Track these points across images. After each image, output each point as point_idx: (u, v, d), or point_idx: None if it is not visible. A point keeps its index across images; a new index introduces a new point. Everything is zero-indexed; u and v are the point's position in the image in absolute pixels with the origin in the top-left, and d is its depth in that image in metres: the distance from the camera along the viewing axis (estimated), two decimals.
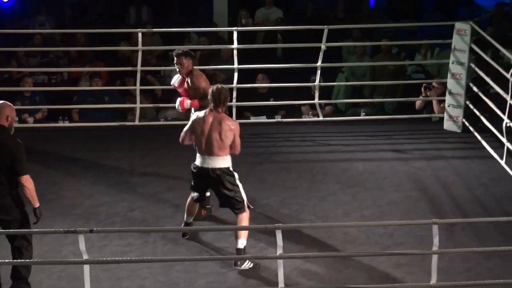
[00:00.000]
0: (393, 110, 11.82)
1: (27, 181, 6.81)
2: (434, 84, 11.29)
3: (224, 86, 7.65)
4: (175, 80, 8.51)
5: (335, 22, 12.72)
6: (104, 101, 11.26)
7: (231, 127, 7.47)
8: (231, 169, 7.57)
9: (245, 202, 7.62)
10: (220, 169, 7.51)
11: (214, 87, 7.56)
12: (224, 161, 7.51)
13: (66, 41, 12.87)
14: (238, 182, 7.59)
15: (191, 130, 7.56)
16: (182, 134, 7.64)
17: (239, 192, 7.58)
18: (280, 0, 14.73)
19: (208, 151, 7.47)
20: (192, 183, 7.77)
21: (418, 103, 11.39)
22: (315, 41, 11.10)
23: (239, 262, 7.42)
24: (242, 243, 7.45)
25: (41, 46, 12.62)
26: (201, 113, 7.56)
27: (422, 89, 11.31)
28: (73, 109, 11.30)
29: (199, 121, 7.51)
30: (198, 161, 7.57)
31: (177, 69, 8.41)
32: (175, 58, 8.39)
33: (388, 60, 12.13)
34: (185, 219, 7.98)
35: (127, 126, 10.94)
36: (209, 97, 7.53)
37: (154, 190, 9.12)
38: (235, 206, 7.59)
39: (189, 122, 7.62)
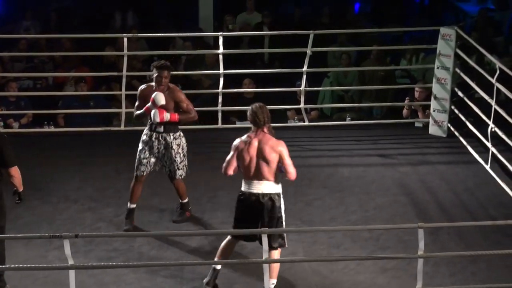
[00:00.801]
0: (382, 115, 11.86)
1: (16, 172, 6.95)
2: (416, 88, 11.31)
3: (261, 104, 7.24)
4: (160, 98, 8.07)
5: (321, 28, 12.73)
6: (90, 106, 11.24)
7: (275, 148, 7.03)
8: (281, 196, 7.13)
9: (285, 239, 7.15)
10: (269, 194, 7.05)
11: (253, 106, 7.15)
12: (273, 187, 7.07)
13: (51, 46, 12.84)
14: (283, 213, 7.13)
15: (237, 158, 7.08)
16: (225, 164, 7.12)
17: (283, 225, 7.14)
18: (266, 6, 14.74)
19: (257, 176, 7.03)
20: (236, 217, 7.21)
21: (405, 112, 11.42)
22: (301, 46, 11.11)
23: None
24: (273, 283, 7.00)
25: (26, 51, 12.58)
26: (243, 138, 7.10)
27: (407, 100, 11.34)
28: (58, 114, 11.27)
29: (244, 147, 7.04)
30: (245, 187, 7.12)
31: (157, 82, 8.11)
32: (159, 70, 8.13)
33: (379, 65, 12.15)
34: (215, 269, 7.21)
35: (112, 131, 10.92)
36: (248, 118, 7.14)
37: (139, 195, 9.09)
38: (275, 240, 7.04)
39: (232, 151, 7.12)
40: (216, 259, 7.17)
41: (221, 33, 11.12)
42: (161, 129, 8.28)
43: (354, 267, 7.61)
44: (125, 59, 10.83)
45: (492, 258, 7.67)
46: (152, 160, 8.33)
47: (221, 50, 10.87)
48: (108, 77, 11.56)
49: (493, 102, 9.65)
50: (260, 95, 11.27)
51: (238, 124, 11.16)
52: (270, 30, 13.30)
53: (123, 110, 10.84)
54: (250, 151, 7.03)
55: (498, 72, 9.62)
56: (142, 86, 8.40)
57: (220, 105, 10.81)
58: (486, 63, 11.85)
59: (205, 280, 7.16)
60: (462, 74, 10.74)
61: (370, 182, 9.52)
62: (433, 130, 11.00)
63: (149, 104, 8.12)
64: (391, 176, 9.72)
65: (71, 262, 6.32)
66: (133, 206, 8.35)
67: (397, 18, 16.66)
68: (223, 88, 10.88)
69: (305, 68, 10.96)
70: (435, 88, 10.86)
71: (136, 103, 8.41)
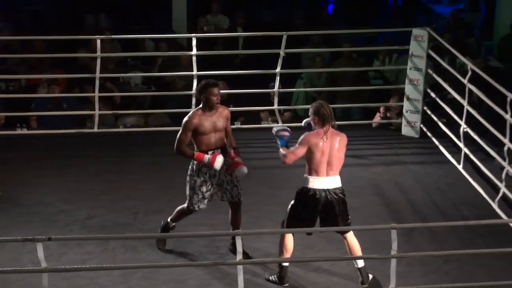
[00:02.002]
0: (360, 116, 11.89)
1: None
2: (392, 103, 11.33)
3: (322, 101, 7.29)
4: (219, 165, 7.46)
5: (294, 29, 12.75)
6: (63, 108, 11.19)
7: (344, 143, 7.17)
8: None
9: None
10: (340, 188, 7.19)
11: (318, 103, 7.15)
12: (340, 180, 7.20)
13: (24, 48, 12.76)
14: None
15: (306, 152, 7.04)
16: (290, 155, 7.06)
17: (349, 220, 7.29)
18: (240, 7, 14.75)
19: (329, 172, 7.08)
20: (301, 213, 7.18)
21: (376, 122, 11.43)
22: (274, 47, 11.11)
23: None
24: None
25: None
26: (314, 133, 7.06)
27: (382, 109, 11.37)
28: (31, 116, 11.21)
29: (317, 143, 7.01)
30: (313, 184, 7.10)
31: (211, 104, 7.48)
32: (211, 89, 7.48)
33: (350, 64, 12.19)
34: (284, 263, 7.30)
35: (86, 133, 10.88)
36: (315, 114, 7.07)
37: (113, 197, 9.07)
38: (346, 222, 7.23)
39: (301, 144, 7.04)
40: (283, 256, 7.26)
41: (195, 34, 11.10)
42: (219, 152, 7.55)
43: (329, 267, 7.63)
44: (98, 60, 10.79)
45: (465, 258, 7.71)
46: (215, 190, 7.65)
47: (194, 51, 10.86)
48: (81, 79, 11.51)
49: (465, 103, 9.71)
50: (234, 96, 11.28)
51: None
52: (244, 31, 13.32)
53: (96, 112, 10.80)
54: (324, 147, 7.05)
55: (470, 73, 9.68)
56: (190, 116, 7.51)
57: (193, 106, 10.80)
58: (459, 65, 11.93)
59: (272, 277, 7.30)
60: (434, 75, 10.79)
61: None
62: (406, 130, 11.04)
63: (206, 158, 7.43)
64: (364, 176, 9.75)
65: (44, 265, 6.29)
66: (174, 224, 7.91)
67: (370, 20, 16.75)
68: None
69: (278, 70, 10.97)
70: (408, 89, 10.91)
71: (183, 136, 7.49)
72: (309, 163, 7.11)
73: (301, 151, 7.08)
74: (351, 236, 7.35)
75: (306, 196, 7.13)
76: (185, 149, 7.50)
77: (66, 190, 9.25)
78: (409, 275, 7.51)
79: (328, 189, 7.12)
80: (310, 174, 7.10)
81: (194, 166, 7.55)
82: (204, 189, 7.56)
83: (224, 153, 7.58)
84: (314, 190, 7.10)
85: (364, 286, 7.31)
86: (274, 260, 7.57)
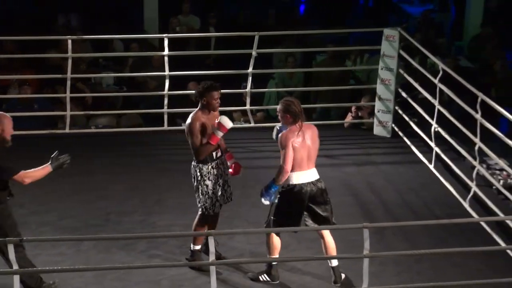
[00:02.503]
0: (338, 116, 11.93)
1: (24, 178, 6.93)
2: (363, 103, 11.38)
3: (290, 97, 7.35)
4: (228, 122, 7.47)
5: (266, 29, 12.77)
6: (34, 109, 11.12)
7: (316, 134, 7.31)
8: None
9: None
10: (319, 179, 7.30)
11: (287, 102, 7.22)
12: (317, 172, 7.31)
13: None
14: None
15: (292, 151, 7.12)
16: (288, 162, 7.08)
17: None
18: (211, 7, 14.74)
19: (310, 165, 7.20)
20: (288, 210, 7.24)
21: (347, 124, 11.48)
22: (246, 48, 11.12)
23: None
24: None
25: None
26: (289, 132, 7.13)
27: (353, 109, 11.42)
28: None
29: (296, 140, 7.11)
30: (297, 179, 7.18)
31: (213, 107, 7.47)
32: (212, 92, 7.45)
33: (335, 64, 12.23)
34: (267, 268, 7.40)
35: (57, 134, 10.82)
36: (285, 112, 7.15)
37: (84, 198, 9.04)
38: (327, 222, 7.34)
39: (286, 148, 7.09)
40: (271, 256, 7.32)
41: (166, 35, 11.08)
42: (220, 153, 7.57)
43: (301, 267, 7.65)
44: (70, 61, 10.74)
45: (437, 257, 7.76)
46: (225, 189, 7.61)
47: (166, 52, 10.84)
48: (52, 80, 11.45)
49: (436, 103, 9.77)
50: None
51: (184, 126, 11.14)
52: (216, 31, 13.33)
53: (68, 112, 10.75)
54: (303, 143, 7.15)
55: (441, 73, 9.74)
56: (193, 118, 7.45)
57: (166, 107, 10.79)
58: (429, 64, 12.00)
59: (262, 277, 7.36)
60: (405, 75, 10.85)
61: None
62: (377, 130, 11.09)
63: (216, 130, 7.37)
64: (336, 176, 9.78)
65: (16, 267, 6.26)
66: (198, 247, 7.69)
67: (341, 20, 16.79)
68: (169, 90, 10.85)
69: (250, 70, 10.98)
70: (379, 89, 10.96)
71: (196, 139, 7.39)
72: (294, 160, 7.15)
73: (289, 151, 7.12)
74: (328, 235, 7.40)
75: (292, 193, 7.18)
76: (204, 150, 7.38)
77: (37, 191, 9.18)
78: (382, 274, 7.55)
79: (311, 182, 7.23)
80: (291, 170, 7.14)
81: (203, 171, 7.43)
82: (218, 192, 7.50)
83: (222, 154, 7.59)
84: (300, 185, 7.17)
85: (336, 285, 7.35)
86: (247, 261, 7.58)
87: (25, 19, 14.79)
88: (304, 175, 7.19)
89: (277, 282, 7.39)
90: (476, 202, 8.94)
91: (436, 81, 9.76)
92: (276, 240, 7.33)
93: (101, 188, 9.27)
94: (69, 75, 10.72)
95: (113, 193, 9.18)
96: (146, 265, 7.52)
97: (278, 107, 7.28)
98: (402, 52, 10.82)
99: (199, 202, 7.48)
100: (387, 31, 10.87)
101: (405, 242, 8.14)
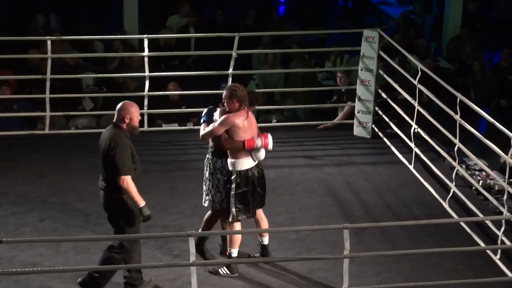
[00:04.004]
0: (306, 116, 11.95)
1: (125, 183, 6.80)
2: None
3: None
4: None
5: (245, 30, 12.77)
6: (13, 110, 11.07)
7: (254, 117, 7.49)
8: None
9: None
10: (259, 163, 7.48)
11: (233, 87, 7.36)
12: None
13: None
14: None
15: (232, 135, 7.26)
16: (207, 133, 7.33)
17: None
18: (191, 7, 14.72)
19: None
20: (247, 196, 7.36)
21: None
22: (226, 49, 11.11)
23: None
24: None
25: None
26: (237, 116, 7.26)
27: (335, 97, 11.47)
28: None
29: (244, 125, 7.27)
30: (248, 164, 7.33)
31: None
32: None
33: (302, 66, 12.25)
34: (234, 253, 7.51)
35: (37, 135, 10.78)
36: (232, 99, 7.27)
37: (64, 199, 9.00)
38: (264, 203, 7.61)
39: (222, 125, 7.24)
40: (233, 248, 7.47)
41: (146, 35, 11.04)
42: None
43: (282, 268, 7.65)
44: (49, 62, 10.68)
45: (416, 257, 7.78)
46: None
47: (146, 52, 10.81)
48: (32, 80, 11.39)
49: (415, 103, 9.79)
50: (186, 97, 11.26)
51: (164, 127, 11.13)
52: (196, 32, 13.31)
53: (48, 113, 10.70)
54: (250, 127, 7.32)
55: (420, 73, 9.76)
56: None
57: (146, 107, 10.75)
58: (411, 67, 12.02)
59: (222, 270, 7.49)
60: (385, 76, 10.87)
61: (296, 183, 9.57)
62: (357, 131, 11.10)
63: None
64: (316, 177, 9.79)
65: None
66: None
67: (321, 21, 16.83)
68: (149, 90, 10.81)
69: (230, 71, 10.96)
70: (359, 89, 10.98)
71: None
72: (233, 146, 7.30)
73: (220, 130, 7.28)
74: (263, 216, 7.65)
75: (244, 178, 7.33)
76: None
77: (16, 192, 9.16)
78: (362, 274, 7.56)
79: (256, 165, 7.41)
80: (239, 157, 7.30)
81: (217, 164, 7.59)
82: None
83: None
84: (251, 169, 7.36)
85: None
86: (227, 261, 7.57)
87: (2, 20, 14.73)
88: (250, 161, 7.36)
89: (236, 274, 7.46)
90: (456, 202, 8.96)
91: (415, 81, 9.78)
92: (238, 234, 7.48)
93: (80, 189, 9.23)
94: (48, 75, 10.67)
95: (93, 194, 9.07)
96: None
97: (224, 93, 7.39)
98: (381, 53, 10.84)
99: (207, 195, 7.59)
100: (366, 32, 10.89)
101: (384, 243, 8.15)
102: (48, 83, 10.68)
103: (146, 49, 10.79)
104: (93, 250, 7.86)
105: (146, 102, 10.75)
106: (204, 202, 7.65)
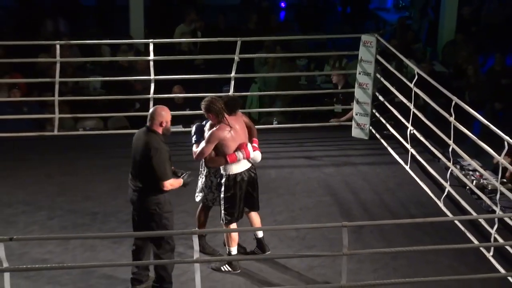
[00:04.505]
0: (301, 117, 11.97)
1: (166, 187, 6.86)
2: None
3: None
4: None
5: (247, 34, 12.77)
6: (23, 112, 11.07)
7: (242, 117, 7.51)
8: None
9: None
10: (252, 166, 7.49)
11: (206, 102, 7.29)
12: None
13: None
14: None
15: (222, 147, 7.25)
16: (200, 153, 7.25)
17: None
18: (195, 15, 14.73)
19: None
20: (235, 200, 7.41)
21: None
22: (228, 52, 11.11)
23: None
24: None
25: None
26: (220, 127, 7.24)
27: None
28: None
29: (228, 135, 7.24)
30: (237, 169, 7.36)
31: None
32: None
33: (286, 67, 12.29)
34: (233, 251, 7.57)
35: (46, 136, 10.78)
36: (211, 110, 7.25)
37: (72, 198, 9.01)
38: (257, 206, 7.63)
39: (210, 142, 7.21)
40: (231, 246, 7.53)
41: (151, 40, 11.04)
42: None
43: (282, 265, 7.65)
44: (58, 65, 10.69)
45: (412, 255, 7.79)
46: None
47: (151, 56, 10.81)
48: (41, 84, 11.40)
49: (411, 106, 9.79)
50: (190, 100, 11.26)
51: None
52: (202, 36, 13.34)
53: (56, 115, 10.70)
54: (236, 136, 7.30)
55: (416, 77, 9.76)
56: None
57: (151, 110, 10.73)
58: (408, 72, 12.02)
59: (224, 267, 7.55)
60: (382, 79, 10.87)
61: (296, 183, 9.58)
62: (355, 132, 11.10)
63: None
64: (316, 177, 9.79)
65: (5, 264, 6.22)
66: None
67: (320, 26, 16.84)
68: (154, 93, 10.81)
69: (233, 74, 10.96)
70: (357, 92, 10.97)
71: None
72: (216, 164, 7.36)
73: (209, 148, 7.25)
74: (256, 215, 7.65)
75: (234, 183, 7.37)
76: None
77: (26, 191, 9.16)
78: (360, 271, 7.56)
79: (248, 169, 7.43)
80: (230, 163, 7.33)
81: (212, 168, 7.67)
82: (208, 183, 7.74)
83: None
84: (240, 174, 7.38)
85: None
86: (231, 258, 7.58)
87: (13, 25, 14.75)
88: (241, 165, 7.36)
89: (238, 271, 7.50)
90: (450, 201, 8.97)
91: (411, 85, 9.78)
92: (234, 232, 7.54)
93: (88, 189, 9.24)
94: (57, 79, 10.68)
95: (100, 193, 9.14)
96: (132, 263, 7.47)
97: (202, 107, 7.38)
98: (379, 57, 10.84)
99: (200, 192, 7.71)
100: (364, 37, 10.89)
101: (382, 240, 8.15)
102: (57, 86, 10.68)
103: (152, 53, 10.79)
104: (100, 247, 7.88)
105: (151, 104, 10.74)
106: (196, 197, 7.76)
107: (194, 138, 7.46)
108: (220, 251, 7.81)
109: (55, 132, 10.74)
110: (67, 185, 9.35)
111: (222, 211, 7.46)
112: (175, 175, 7.03)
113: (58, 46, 10.68)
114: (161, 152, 6.83)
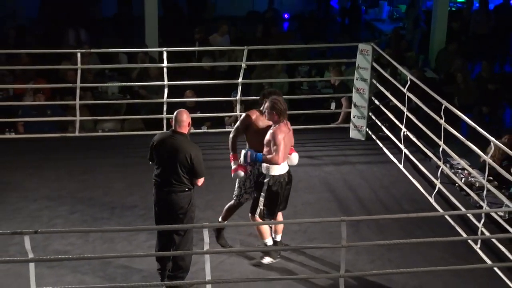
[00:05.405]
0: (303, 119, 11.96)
1: (202, 183, 6.92)
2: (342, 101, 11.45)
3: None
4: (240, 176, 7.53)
5: (254, 43, 12.76)
6: (47, 115, 11.08)
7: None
8: None
9: None
10: (289, 169, 7.39)
11: (274, 100, 7.15)
12: None
13: (10, 60, 12.60)
14: None
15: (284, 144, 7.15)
16: (281, 156, 7.13)
17: None
18: (196, 23, 14.74)
19: (285, 158, 7.27)
20: (278, 198, 7.30)
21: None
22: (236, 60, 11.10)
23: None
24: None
25: None
26: (280, 129, 7.15)
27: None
28: (18, 122, 11.09)
29: (286, 136, 7.16)
30: (283, 169, 7.25)
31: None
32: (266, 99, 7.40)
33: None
34: (268, 242, 7.47)
35: (67, 137, 10.79)
36: (271, 110, 7.12)
37: (91, 194, 9.01)
38: (286, 206, 7.56)
39: (279, 144, 7.08)
40: (264, 239, 7.44)
41: (165, 48, 11.04)
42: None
43: (285, 256, 7.64)
44: (79, 72, 10.70)
45: (406, 247, 7.78)
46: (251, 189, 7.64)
47: (165, 63, 10.82)
48: (63, 88, 11.41)
49: (405, 109, 9.78)
50: (201, 104, 11.26)
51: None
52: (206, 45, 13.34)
53: (78, 118, 10.71)
54: (289, 138, 7.24)
55: (409, 82, 9.75)
56: (248, 113, 7.54)
57: (165, 113, 10.75)
58: (402, 78, 12.00)
59: (265, 260, 7.48)
60: (378, 85, 10.85)
61: (299, 181, 9.53)
62: (353, 134, 11.09)
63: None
64: (317, 175, 9.78)
65: (31, 255, 6.23)
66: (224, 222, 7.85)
67: (321, 36, 16.83)
68: (167, 98, 10.81)
69: (240, 80, 10.95)
70: (355, 97, 10.96)
71: (238, 126, 7.56)
72: (283, 153, 7.17)
73: (282, 147, 7.15)
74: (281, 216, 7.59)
75: (279, 182, 7.25)
76: (230, 141, 7.57)
77: (49, 188, 9.17)
78: (357, 262, 7.55)
79: (288, 171, 7.34)
80: (279, 162, 7.18)
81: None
82: (247, 184, 7.60)
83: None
84: (283, 175, 7.26)
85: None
86: (239, 250, 7.57)
87: (37, 34, 14.76)
88: (285, 166, 7.30)
89: (278, 259, 7.45)
90: (441, 197, 8.95)
91: (404, 90, 9.77)
92: (266, 226, 7.43)
93: (106, 185, 9.24)
94: (78, 84, 10.69)
95: (117, 189, 9.15)
96: (147, 254, 7.49)
97: (266, 104, 7.22)
98: (375, 64, 10.82)
99: (239, 189, 7.67)
100: (361, 46, 10.87)
101: (378, 234, 8.14)
102: (78, 91, 10.70)
103: (165, 61, 10.79)
104: (117, 239, 7.88)
105: (165, 108, 10.75)
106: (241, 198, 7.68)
107: (248, 161, 7.28)
108: (258, 242, 7.77)
109: (76, 133, 10.74)
110: (87, 182, 9.35)
111: (261, 207, 7.30)
112: None
113: (79, 54, 10.69)
114: (199, 153, 6.85)
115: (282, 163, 7.22)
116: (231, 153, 7.50)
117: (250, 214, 7.47)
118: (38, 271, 6.39)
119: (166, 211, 6.93)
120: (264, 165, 7.23)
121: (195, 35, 13.97)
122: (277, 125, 7.19)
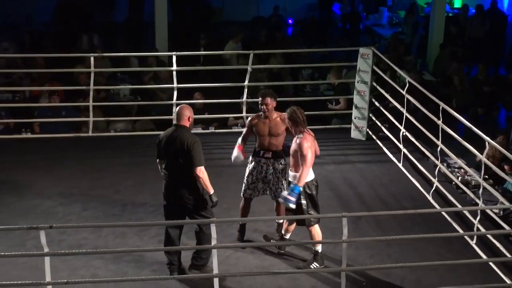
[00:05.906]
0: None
1: (201, 172, 6.87)
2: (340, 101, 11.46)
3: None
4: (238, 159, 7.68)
5: (259, 46, 12.76)
6: (62, 115, 11.11)
7: None
8: None
9: None
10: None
11: (291, 110, 7.17)
12: None
13: (26, 64, 12.63)
14: None
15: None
16: (310, 166, 7.12)
17: None
18: (201, 29, 14.76)
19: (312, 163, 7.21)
20: (316, 201, 7.30)
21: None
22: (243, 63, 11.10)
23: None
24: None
25: (5, 68, 12.35)
26: (307, 138, 7.15)
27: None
28: (34, 122, 11.11)
29: (311, 143, 7.14)
30: (311, 175, 7.22)
31: (262, 108, 7.57)
32: (262, 99, 7.55)
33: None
34: (320, 249, 7.38)
35: (81, 137, 10.81)
36: (297, 120, 7.12)
37: (103, 192, 9.02)
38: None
39: (310, 152, 7.08)
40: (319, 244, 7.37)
41: (175, 52, 11.06)
42: (270, 155, 7.60)
43: (289, 251, 7.65)
44: (92, 75, 10.73)
45: (404, 242, 7.78)
46: (260, 185, 7.66)
47: (174, 67, 10.83)
48: (77, 90, 11.44)
49: (404, 111, 9.78)
50: (209, 105, 11.27)
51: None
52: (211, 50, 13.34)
53: (91, 119, 10.74)
54: (315, 146, 7.24)
55: (407, 85, 9.75)
56: (251, 116, 7.78)
57: (173, 114, 10.74)
58: (401, 81, 11.99)
59: (314, 265, 7.36)
60: (378, 87, 10.85)
61: None
62: (354, 134, 11.09)
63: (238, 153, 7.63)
64: (318, 173, 9.65)
65: (46, 249, 6.25)
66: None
67: (323, 40, 16.83)
68: (177, 100, 10.82)
69: (246, 83, 10.96)
70: (356, 99, 10.96)
71: (244, 131, 7.80)
72: (303, 162, 7.12)
73: (312, 157, 7.15)
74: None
75: (312, 187, 7.25)
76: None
77: (63, 185, 9.19)
78: (357, 257, 7.56)
79: (315, 177, 7.35)
80: (310, 169, 7.18)
81: (249, 159, 7.73)
82: (249, 181, 7.65)
83: (277, 156, 7.61)
84: (315, 179, 7.29)
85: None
86: (244, 245, 7.58)
87: (52, 39, 14.79)
88: (312, 172, 7.30)
89: (323, 266, 7.35)
90: (438, 195, 8.95)
91: (403, 92, 9.77)
92: (319, 229, 7.35)
93: (118, 183, 9.26)
94: (91, 87, 10.71)
95: (128, 187, 9.16)
96: (157, 249, 7.50)
97: (286, 115, 7.25)
98: (375, 68, 10.82)
99: (274, 190, 7.68)
100: (362, 50, 10.87)
101: (377, 230, 8.14)
102: (91, 93, 10.72)
103: (175, 64, 10.81)
104: (129, 235, 7.90)
105: (174, 109, 10.76)
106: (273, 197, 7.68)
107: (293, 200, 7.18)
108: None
109: (90, 134, 10.77)
110: (100, 180, 9.37)
111: (310, 212, 7.24)
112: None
113: (92, 58, 10.71)
114: (197, 142, 6.90)
115: (311, 169, 7.21)
116: (237, 144, 7.69)
117: (306, 227, 7.36)
118: (53, 264, 6.41)
119: (184, 203, 6.97)
120: (291, 174, 7.23)
121: (200, 41, 13.98)
122: (301, 135, 7.17)
